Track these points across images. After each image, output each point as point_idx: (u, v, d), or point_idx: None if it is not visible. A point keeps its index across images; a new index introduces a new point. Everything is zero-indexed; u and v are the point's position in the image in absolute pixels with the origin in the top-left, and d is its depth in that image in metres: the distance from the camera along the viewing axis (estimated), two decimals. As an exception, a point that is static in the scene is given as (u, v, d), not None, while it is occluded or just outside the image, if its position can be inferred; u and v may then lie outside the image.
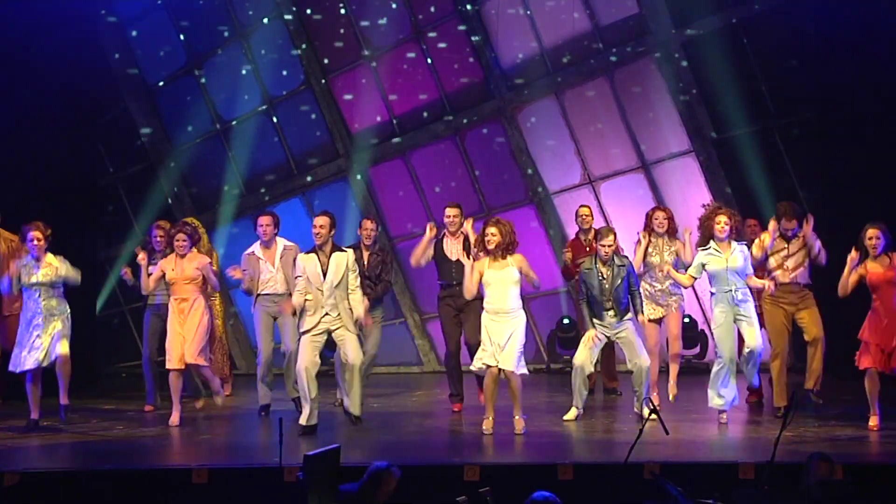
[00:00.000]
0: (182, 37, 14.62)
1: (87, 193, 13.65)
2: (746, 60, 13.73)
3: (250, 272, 10.93)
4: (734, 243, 10.10)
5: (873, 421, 9.81)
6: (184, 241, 10.59)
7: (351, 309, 10.04)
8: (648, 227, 11.03)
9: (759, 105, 13.73)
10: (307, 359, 9.89)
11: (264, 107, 14.70)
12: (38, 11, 12.66)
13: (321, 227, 10.01)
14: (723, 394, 10.16)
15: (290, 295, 10.73)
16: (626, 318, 10.30)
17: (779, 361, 10.50)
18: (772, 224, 10.43)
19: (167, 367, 10.51)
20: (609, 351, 11.81)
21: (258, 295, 10.97)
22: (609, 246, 10.30)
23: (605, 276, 10.29)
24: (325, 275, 9.95)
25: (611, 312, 10.28)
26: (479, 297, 10.53)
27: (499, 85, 14.38)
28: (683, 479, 7.25)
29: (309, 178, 14.71)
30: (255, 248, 11.04)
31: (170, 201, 14.53)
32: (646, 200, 13.99)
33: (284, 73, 14.68)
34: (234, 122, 14.71)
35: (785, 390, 10.47)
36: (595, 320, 10.32)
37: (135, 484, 8.31)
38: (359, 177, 14.58)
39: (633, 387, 10.43)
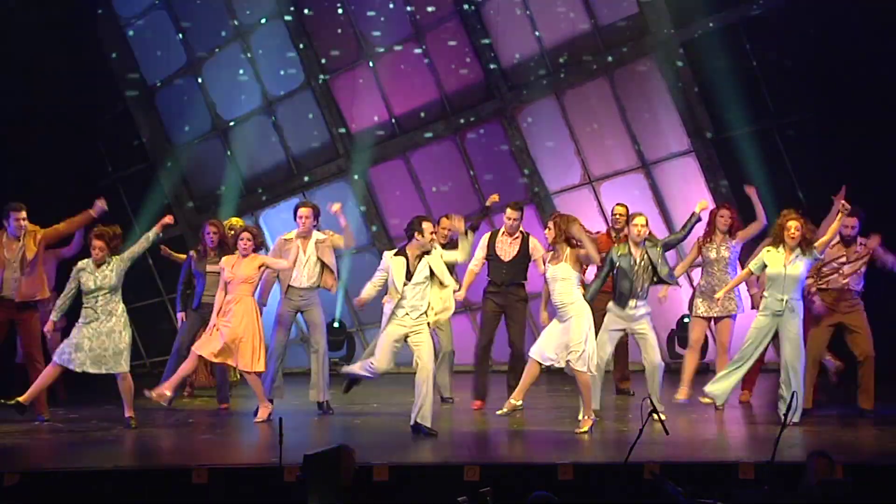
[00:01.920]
0: (181, 37, 14.62)
1: (87, 193, 13.65)
2: (746, 60, 13.73)
3: (284, 256, 10.92)
4: (798, 252, 9.93)
5: None
6: (249, 240, 10.59)
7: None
8: (712, 224, 11.10)
9: (759, 105, 13.73)
10: (385, 362, 9.88)
11: (264, 107, 14.70)
12: (37, 11, 12.66)
13: (434, 232, 9.86)
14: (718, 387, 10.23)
15: (317, 289, 10.93)
16: (645, 309, 10.31)
17: (811, 363, 10.44)
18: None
19: (196, 351, 10.53)
20: (623, 351, 11.83)
21: (288, 287, 10.98)
22: (643, 226, 10.34)
23: (637, 260, 10.31)
24: (410, 276, 9.79)
25: (633, 302, 10.28)
26: (523, 299, 10.78)
27: (499, 85, 14.38)
28: (683, 479, 7.25)
29: (308, 178, 14.70)
30: (293, 234, 11.04)
31: (169, 201, 14.53)
32: (646, 200, 13.98)
33: (284, 73, 14.67)
34: (233, 123, 14.72)
35: (812, 392, 10.47)
36: (615, 307, 10.35)
37: (135, 484, 8.31)
38: (358, 177, 14.58)
39: (648, 386, 10.35)
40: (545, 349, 9.90)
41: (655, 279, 10.34)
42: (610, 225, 11.97)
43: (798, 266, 9.90)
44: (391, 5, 14.45)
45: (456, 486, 7.72)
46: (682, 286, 12.27)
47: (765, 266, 9.98)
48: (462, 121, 14.50)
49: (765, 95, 13.73)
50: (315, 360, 10.99)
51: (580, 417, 9.87)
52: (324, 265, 10.94)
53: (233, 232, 11.79)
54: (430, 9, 14.46)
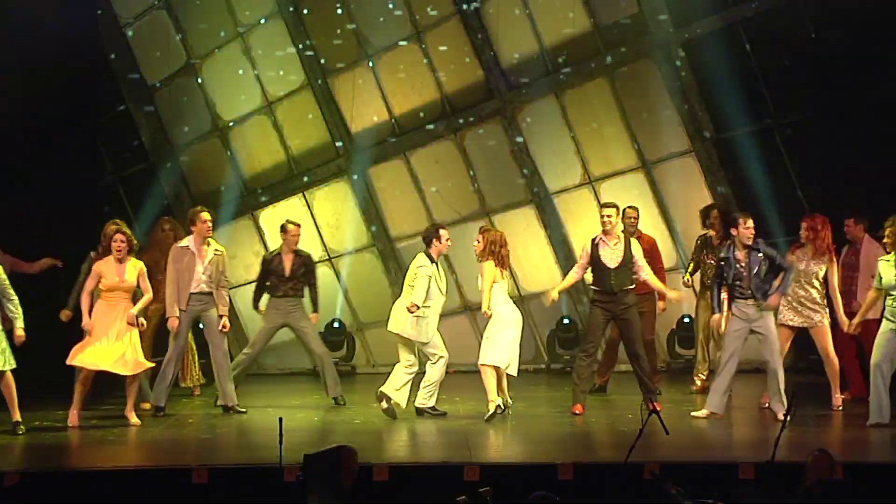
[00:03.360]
0: (181, 37, 14.60)
1: (87, 193, 13.64)
2: (746, 60, 13.72)
3: (179, 266, 10.88)
4: None
5: None
6: (123, 242, 10.31)
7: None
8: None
9: (759, 105, 13.71)
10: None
11: (264, 107, 14.68)
12: (37, 11, 12.65)
13: (448, 239, 10.77)
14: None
15: (213, 294, 10.91)
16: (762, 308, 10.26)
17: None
18: None
19: (77, 363, 10.22)
20: (613, 347, 11.84)
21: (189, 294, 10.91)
22: (747, 227, 10.31)
23: (743, 263, 10.29)
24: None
25: (750, 301, 10.28)
26: (635, 303, 10.83)
27: (499, 85, 14.37)
28: (683, 479, 7.25)
29: (308, 178, 14.69)
30: (189, 242, 10.97)
31: (169, 201, 14.52)
32: (646, 200, 13.97)
33: (284, 73, 14.66)
34: (233, 123, 14.70)
35: None
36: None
37: (135, 484, 8.31)
38: (358, 177, 14.57)
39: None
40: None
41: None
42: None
43: None
44: (391, 5, 14.43)
45: (456, 486, 7.72)
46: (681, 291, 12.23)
47: (881, 278, 9.86)
48: (462, 121, 14.49)
49: (765, 95, 13.72)
50: (216, 360, 10.95)
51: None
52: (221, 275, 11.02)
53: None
54: (429, 9, 14.44)
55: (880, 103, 12.61)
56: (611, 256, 10.79)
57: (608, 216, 10.83)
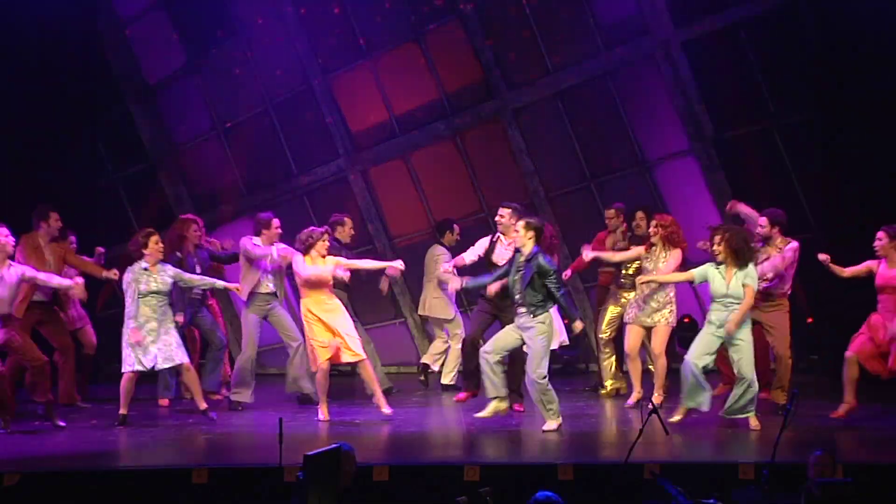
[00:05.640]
0: (181, 36, 14.60)
1: (87, 193, 13.64)
2: (746, 60, 13.71)
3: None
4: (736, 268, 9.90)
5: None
6: (325, 242, 10.66)
7: None
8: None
9: (759, 105, 13.71)
10: None
11: (264, 107, 14.68)
12: (37, 12, 12.67)
13: (458, 233, 12.67)
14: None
15: (275, 294, 11.24)
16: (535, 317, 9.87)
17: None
18: None
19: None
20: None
21: (252, 293, 11.03)
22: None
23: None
24: None
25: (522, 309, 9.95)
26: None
27: (499, 85, 14.36)
28: (683, 479, 7.25)
29: (309, 179, 14.70)
30: (258, 241, 11.31)
31: (170, 201, 14.53)
32: (645, 200, 13.95)
33: (283, 73, 14.65)
34: (233, 123, 14.70)
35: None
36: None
37: (135, 484, 8.32)
38: (358, 177, 14.57)
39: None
40: None
41: None
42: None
43: (735, 281, 9.88)
44: (389, 5, 14.43)
45: (456, 486, 7.74)
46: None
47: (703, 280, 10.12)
48: (462, 121, 14.48)
49: (765, 95, 13.72)
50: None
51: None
52: None
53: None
54: (429, 9, 14.42)
55: (880, 103, 12.61)
56: (504, 257, 10.82)
57: (501, 216, 10.98)
